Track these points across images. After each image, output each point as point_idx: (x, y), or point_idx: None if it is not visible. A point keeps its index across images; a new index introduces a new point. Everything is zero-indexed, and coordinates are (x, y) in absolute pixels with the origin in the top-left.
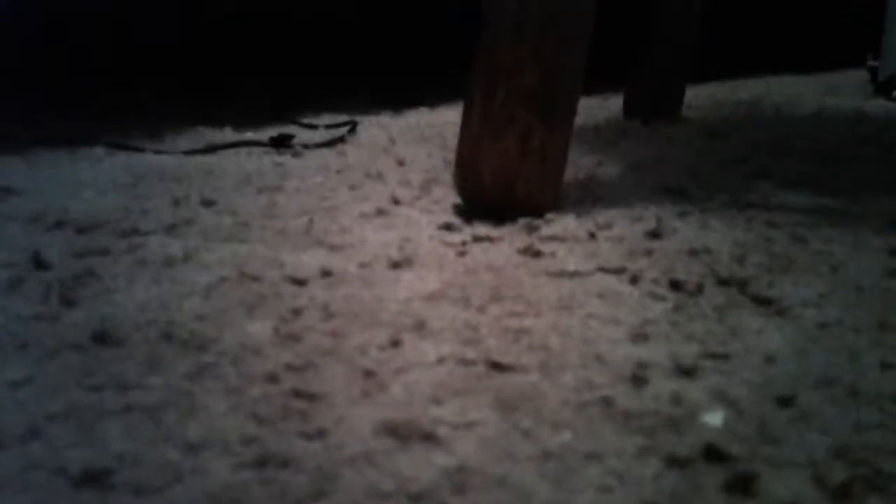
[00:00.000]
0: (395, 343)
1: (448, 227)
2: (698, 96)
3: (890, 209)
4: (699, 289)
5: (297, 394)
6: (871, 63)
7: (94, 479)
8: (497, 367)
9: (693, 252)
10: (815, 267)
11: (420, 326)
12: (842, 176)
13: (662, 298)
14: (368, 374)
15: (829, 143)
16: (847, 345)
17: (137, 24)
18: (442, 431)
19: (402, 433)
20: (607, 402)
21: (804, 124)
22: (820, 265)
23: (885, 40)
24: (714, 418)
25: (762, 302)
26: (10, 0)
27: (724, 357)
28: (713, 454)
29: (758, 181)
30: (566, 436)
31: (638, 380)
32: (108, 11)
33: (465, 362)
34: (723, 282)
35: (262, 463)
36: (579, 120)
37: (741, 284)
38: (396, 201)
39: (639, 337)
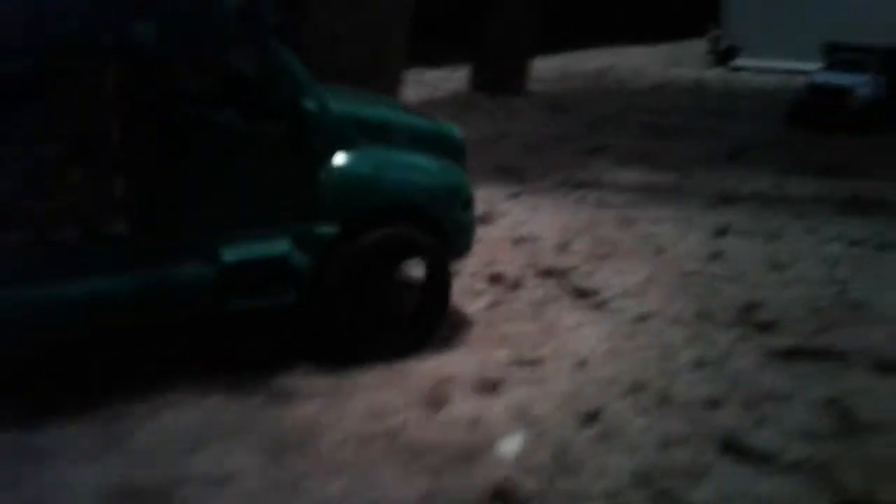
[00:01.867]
0: None
1: None
2: (546, 68)
3: (721, 185)
4: (518, 282)
5: None
6: (712, 34)
7: None
8: None
9: (518, 240)
10: (639, 251)
11: None
12: (677, 150)
13: (480, 294)
14: None
15: (668, 115)
16: (663, 341)
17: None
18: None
19: None
20: (394, 435)
21: (646, 96)
22: (645, 249)
23: (725, 11)
24: (511, 445)
25: (581, 294)
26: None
27: (535, 363)
28: (502, 497)
29: (593, 157)
30: (342, 482)
31: (437, 401)
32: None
33: None
34: (544, 273)
35: None
36: (425, 93)
37: (561, 275)
38: None
39: (447, 344)
